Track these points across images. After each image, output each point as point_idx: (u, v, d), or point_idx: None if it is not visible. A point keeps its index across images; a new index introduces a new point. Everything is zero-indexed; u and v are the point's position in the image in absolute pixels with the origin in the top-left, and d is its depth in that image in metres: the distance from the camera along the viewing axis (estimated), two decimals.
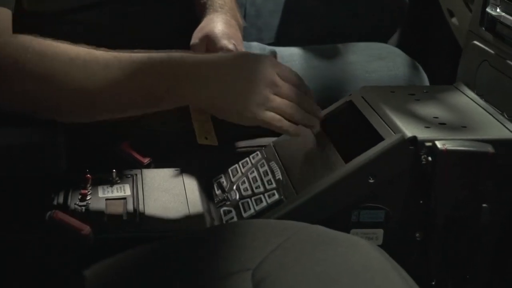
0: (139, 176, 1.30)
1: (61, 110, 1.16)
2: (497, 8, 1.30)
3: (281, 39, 1.76)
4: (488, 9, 1.33)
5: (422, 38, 1.86)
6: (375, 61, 1.65)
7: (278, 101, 1.16)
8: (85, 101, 1.15)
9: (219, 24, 1.54)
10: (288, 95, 1.18)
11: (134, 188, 1.26)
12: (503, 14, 1.28)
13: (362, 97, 1.32)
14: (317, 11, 1.77)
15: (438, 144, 1.10)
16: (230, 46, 1.47)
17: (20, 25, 1.24)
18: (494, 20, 1.30)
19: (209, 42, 1.48)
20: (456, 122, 1.22)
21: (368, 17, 1.83)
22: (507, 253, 1.23)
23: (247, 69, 1.17)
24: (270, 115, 1.16)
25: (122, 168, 1.30)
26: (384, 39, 1.81)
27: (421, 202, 1.16)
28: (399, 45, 1.79)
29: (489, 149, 1.11)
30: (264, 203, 1.22)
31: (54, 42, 1.14)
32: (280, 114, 1.17)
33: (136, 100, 1.16)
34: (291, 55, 1.64)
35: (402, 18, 1.87)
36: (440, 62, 1.60)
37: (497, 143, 1.14)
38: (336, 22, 1.78)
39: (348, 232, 1.13)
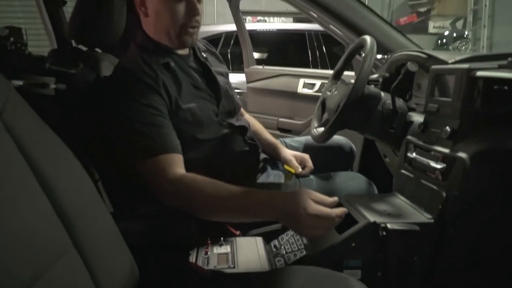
0: (234, 241, 1.23)
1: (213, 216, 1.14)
2: (413, 153, 1.25)
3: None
4: (408, 154, 1.27)
5: (372, 167, 1.80)
6: (349, 181, 1.60)
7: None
8: (228, 214, 1.12)
9: (291, 152, 1.63)
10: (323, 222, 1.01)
11: (232, 248, 1.20)
12: (417, 156, 1.23)
13: (346, 200, 1.25)
14: (317, 153, 1.71)
15: (388, 225, 1.05)
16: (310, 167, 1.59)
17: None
18: (411, 159, 1.25)
19: (298, 159, 1.59)
20: (396, 213, 1.15)
21: (339, 158, 1.79)
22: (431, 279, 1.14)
23: (301, 211, 1.00)
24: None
25: (226, 236, 1.24)
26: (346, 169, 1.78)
27: (380, 255, 1.09)
28: (361, 171, 1.73)
29: (416, 227, 1.06)
30: (298, 256, 1.16)
31: (209, 179, 1.12)
32: None
33: (249, 215, 1.10)
34: (308, 179, 1.58)
35: (353, 161, 1.84)
36: (382, 180, 1.54)
37: (420, 224, 1.08)
38: (323, 159, 1.72)
39: (342, 271, 1.06)
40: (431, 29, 7.69)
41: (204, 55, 1.46)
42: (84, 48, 1.45)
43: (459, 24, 7.87)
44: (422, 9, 7.76)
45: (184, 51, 1.39)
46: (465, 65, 1.11)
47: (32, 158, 0.77)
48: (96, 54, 1.42)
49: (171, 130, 1.22)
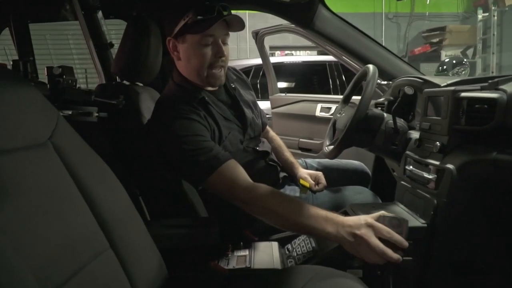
0: (252, 245, 1.25)
1: (278, 225, 1.12)
2: (410, 166, 1.26)
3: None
4: (406, 167, 1.28)
5: (383, 183, 1.77)
6: (357, 194, 1.60)
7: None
8: (291, 224, 1.08)
9: (306, 171, 1.64)
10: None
11: (250, 251, 1.21)
12: (413, 168, 1.24)
13: (351, 209, 1.26)
14: (334, 175, 1.74)
15: None
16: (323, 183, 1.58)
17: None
18: (408, 171, 1.26)
19: (312, 176, 1.58)
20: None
21: (355, 178, 1.80)
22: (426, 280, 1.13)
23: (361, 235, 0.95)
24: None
25: (245, 241, 1.27)
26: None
27: None
28: (372, 188, 1.74)
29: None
30: (307, 257, 1.18)
31: (278, 191, 1.16)
32: None
33: (311, 230, 1.04)
34: (321, 192, 1.59)
35: (369, 182, 1.83)
36: (388, 190, 1.53)
37: (414, 228, 1.07)
38: (339, 180, 1.73)
39: (345, 271, 1.06)
40: (443, 58, 7.58)
41: (233, 85, 1.50)
42: (127, 83, 1.54)
43: (470, 52, 7.74)
44: (435, 40, 7.66)
45: (214, 87, 1.43)
46: (452, 88, 1.12)
47: (76, 174, 0.84)
48: (136, 88, 1.50)
49: (219, 147, 1.26)
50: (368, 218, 0.97)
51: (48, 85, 1.12)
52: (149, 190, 1.39)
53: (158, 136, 1.24)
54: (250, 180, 1.18)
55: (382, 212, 1.01)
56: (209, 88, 1.40)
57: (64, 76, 1.14)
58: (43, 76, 1.25)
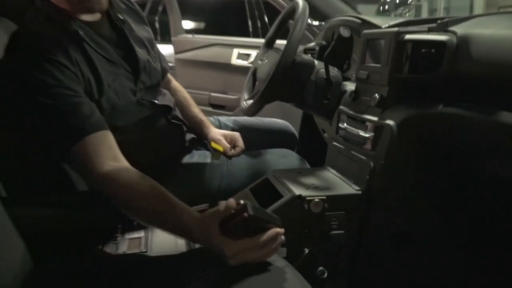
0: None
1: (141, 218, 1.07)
2: (344, 123, 1.31)
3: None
4: (339, 124, 1.33)
5: (308, 146, 1.84)
6: (281, 158, 1.62)
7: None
8: (155, 220, 1.04)
9: (220, 131, 1.63)
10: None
11: (146, 232, 1.21)
12: (347, 126, 1.29)
13: (273, 176, 1.29)
14: (255, 136, 1.75)
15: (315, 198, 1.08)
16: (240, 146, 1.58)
17: None
18: (342, 130, 1.31)
19: (227, 138, 1.58)
20: (324, 186, 1.20)
21: (279, 140, 1.82)
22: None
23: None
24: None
25: None
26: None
27: (306, 231, 1.13)
28: (300, 152, 1.78)
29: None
30: None
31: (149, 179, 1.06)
32: None
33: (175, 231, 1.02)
34: (240, 157, 1.59)
35: (295, 144, 1.89)
36: (317, 155, 1.58)
37: (347, 196, 1.14)
38: (261, 142, 1.76)
39: None
40: None
41: (122, 17, 1.38)
42: None
43: None
44: None
45: (93, 17, 1.30)
46: (394, 29, 1.17)
47: None
48: None
49: (91, 107, 1.16)
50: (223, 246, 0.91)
51: None
52: (3, 156, 1.29)
53: (11, 83, 1.14)
54: (118, 164, 1.11)
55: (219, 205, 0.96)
56: (85, 18, 1.29)
57: None
58: None
